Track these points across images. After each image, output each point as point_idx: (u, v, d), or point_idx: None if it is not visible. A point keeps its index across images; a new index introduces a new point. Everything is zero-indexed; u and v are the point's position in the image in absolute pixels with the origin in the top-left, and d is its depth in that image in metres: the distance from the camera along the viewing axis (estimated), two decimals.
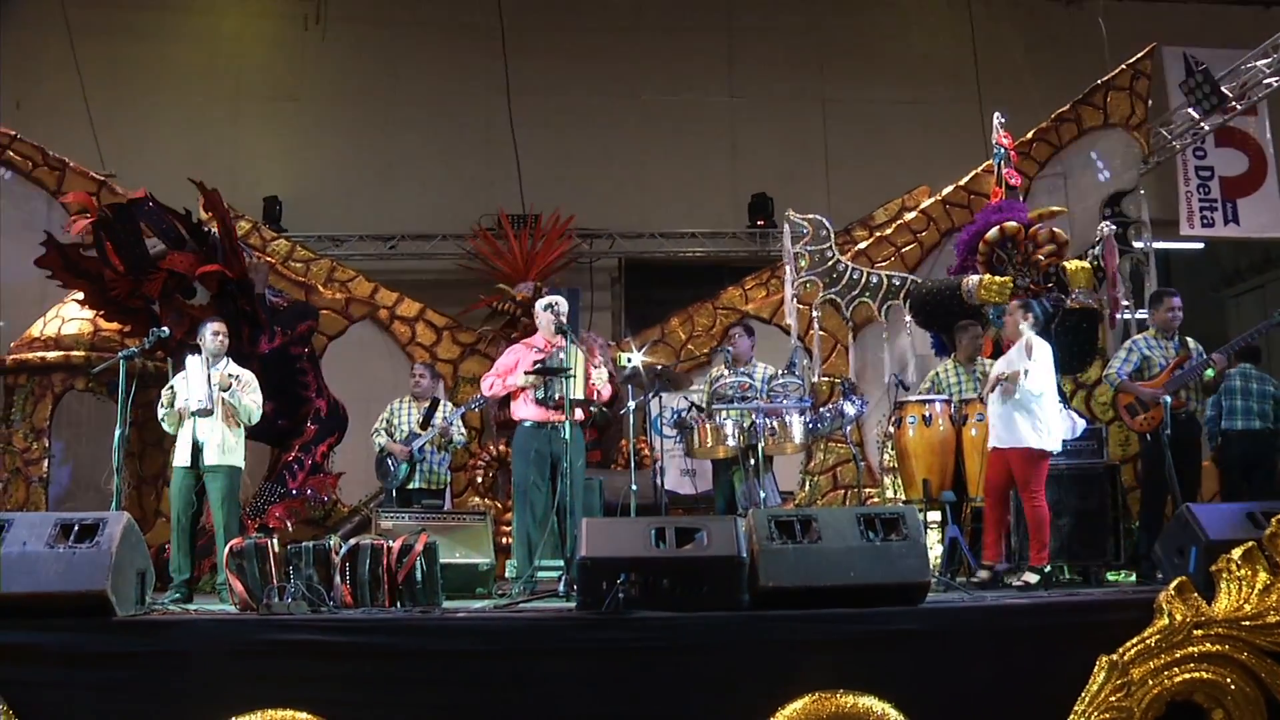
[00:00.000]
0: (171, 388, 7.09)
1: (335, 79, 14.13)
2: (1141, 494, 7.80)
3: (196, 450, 6.96)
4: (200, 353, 7.16)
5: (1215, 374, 7.50)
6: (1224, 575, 5.00)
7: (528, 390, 7.12)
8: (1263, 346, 8.94)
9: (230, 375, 7.11)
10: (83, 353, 9.23)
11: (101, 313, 8.87)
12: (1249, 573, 4.97)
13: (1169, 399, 7.17)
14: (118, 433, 6.60)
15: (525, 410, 7.19)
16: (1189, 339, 7.64)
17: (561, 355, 7.02)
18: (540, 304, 7.48)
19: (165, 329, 7.20)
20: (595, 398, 7.29)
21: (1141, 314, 8.98)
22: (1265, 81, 11.09)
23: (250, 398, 7.18)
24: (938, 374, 7.97)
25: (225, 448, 7.02)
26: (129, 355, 6.86)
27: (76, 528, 5.11)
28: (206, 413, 6.97)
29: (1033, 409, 6.80)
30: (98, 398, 9.24)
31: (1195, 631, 4.88)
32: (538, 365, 7.03)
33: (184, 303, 8.58)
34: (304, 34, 14.08)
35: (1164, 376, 7.46)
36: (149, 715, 4.73)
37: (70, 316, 9.46)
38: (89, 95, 12.50)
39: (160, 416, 7.09)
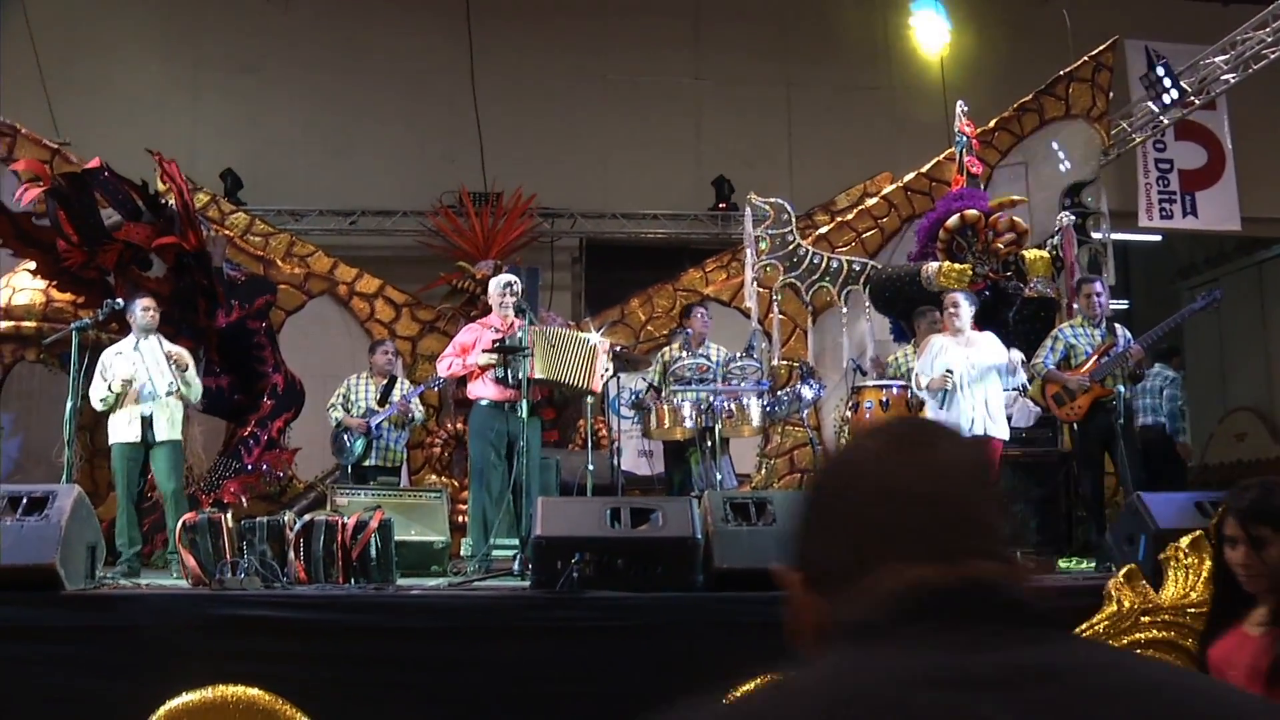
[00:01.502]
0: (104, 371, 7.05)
1: (297, 52, 13.92)
2: (1080, 482, 7.72)
3: (146, 425, 6.96)
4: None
5: (1135, 363, 7.37)
6: (1172, 563, 5.06)
7: (487, 370, 7.10)
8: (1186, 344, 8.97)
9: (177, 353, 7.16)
10: (34, 323, 9.09)
11: (54, 283, 8.74)
12: (1196, 561, 5.03)
13: (1123, 388, 7.19)
14: (69, 405, 6.55)
15: (483, 389, 7.15)
16: (1117, 325, 7.53)
17: (519, 335, 6.98)
18: (495, 283, 7.44)
19: (119, 300, 7.13)
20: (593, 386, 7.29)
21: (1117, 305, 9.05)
22: (1223, 77, 11.21)
23: (196, 376, 7.32)
24: (896, 359, 8.02)
25: (173, 422, 7.10)
26: (82, 327, 6.79)
27: (25, 500, 5.04)
28: (176, 393, 7.03)
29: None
30: (49, 369, 9.11)
31: (1143, 618, 4.93)
32: (496, 344, 6.99)
33: (140, 275, 8.48)
34: (265, 6, 13.88)
35: (1090, 364, 7.41)
36: (99, 690, 4.66)
37: (21, 286, 9.30)
38: (43, 62, 12.24)
39: (100, 398, 7.00)
